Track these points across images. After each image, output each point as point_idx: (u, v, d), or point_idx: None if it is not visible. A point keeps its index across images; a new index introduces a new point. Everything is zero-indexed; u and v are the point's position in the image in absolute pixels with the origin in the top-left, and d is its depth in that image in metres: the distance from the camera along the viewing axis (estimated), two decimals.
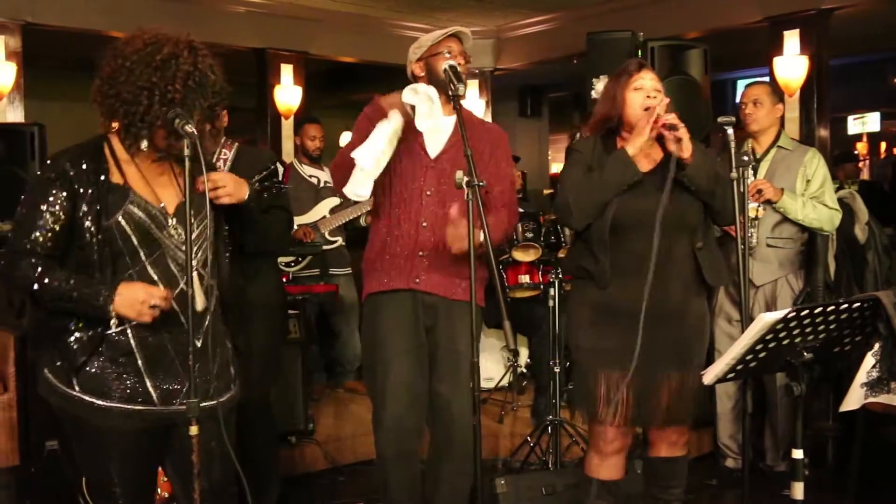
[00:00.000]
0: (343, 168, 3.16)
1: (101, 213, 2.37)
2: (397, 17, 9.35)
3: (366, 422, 5.15)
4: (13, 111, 7.57)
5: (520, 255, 4.92)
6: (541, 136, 12.82)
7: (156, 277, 2.41)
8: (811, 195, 4.34)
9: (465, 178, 2.72)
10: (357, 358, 6.09)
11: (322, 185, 5.90)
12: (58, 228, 2.36)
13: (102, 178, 2.39)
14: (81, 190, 2.37)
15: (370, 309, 3.35)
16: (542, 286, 4.93)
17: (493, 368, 5.81)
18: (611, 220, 3.03)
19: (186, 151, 2.29)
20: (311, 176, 5.90)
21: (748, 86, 4.63)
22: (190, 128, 2.30)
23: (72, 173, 2.37)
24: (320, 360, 6.09)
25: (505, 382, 5.76)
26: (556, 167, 14.36)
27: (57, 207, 2.36)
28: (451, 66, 3.07)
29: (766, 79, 8.16)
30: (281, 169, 3.73)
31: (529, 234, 4.99)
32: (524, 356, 5.84)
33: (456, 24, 3.44)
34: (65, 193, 2.36)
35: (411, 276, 3.24)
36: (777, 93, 4.61)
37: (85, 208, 2.37)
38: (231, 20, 8.78)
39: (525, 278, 4.98)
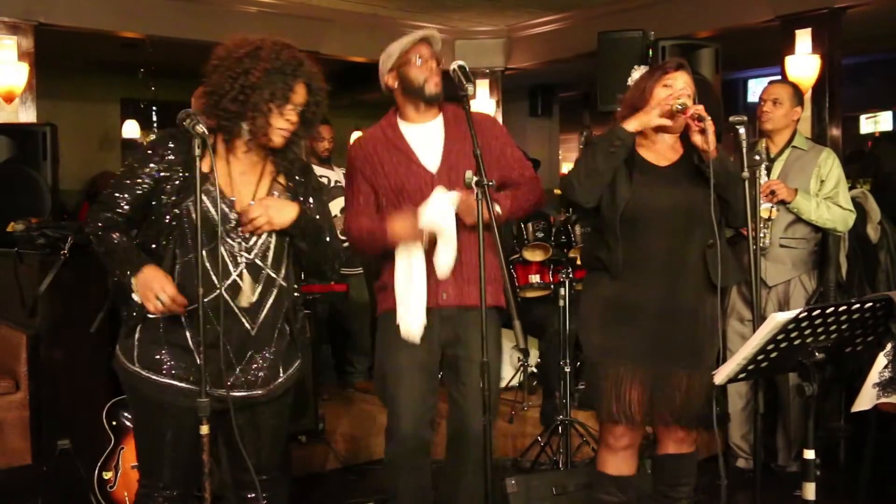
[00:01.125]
0: (356, 243, 3.34)
1: (180, 195, 2.51)
2: (409, 17, 9.34)
3: (376, 422, 5.19)
4: (25, 111, 7.57)
5: (530, 255, 4.92)
6: (551, 136, 12.79)
7: (209, 266, 2.50)
8: (825, 196, 4.31)
9: (475, 178, 2.71)
10: (368, 358, 6.10)
11: (332, 184, 5.90)
12: (140, 194, 2.53)
13: (195, 163, 2.49)
14: (173, 169, 2.52)
15: (386, 323, 3.29)
16: (552, 286, 4.93)
17: (503, 368, 5.80)
18: (625, 214, 3.02)
19: (197, 151, 2.39)
20: (321, 176, 5.90)
21: (770, 83, 4.57)
22: (200, 128, 2.40)
23: (172, 152, 2.53)
24: (331, 359, 6.10)
25: (515, 382, 5.75)
26: (567, 167, 14.34)
27: (147, 178, 2.53)
28: (461, 67, 2.99)
29: (778, 78, 8.14)
30: None
31: (540, 234, 4.99)
32: (534, 356, 5.83)
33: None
34: (158, 167, 2.53)
35: (438, 293, 3.20)
36: (798, 95, 4.54)
37: (169, 187, 2.51)
38: (242, 20, 8.78)
39: (535, 278, 4.98)
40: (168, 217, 2.51)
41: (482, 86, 10.06)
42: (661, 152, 3.13)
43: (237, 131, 2.53)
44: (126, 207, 2.54)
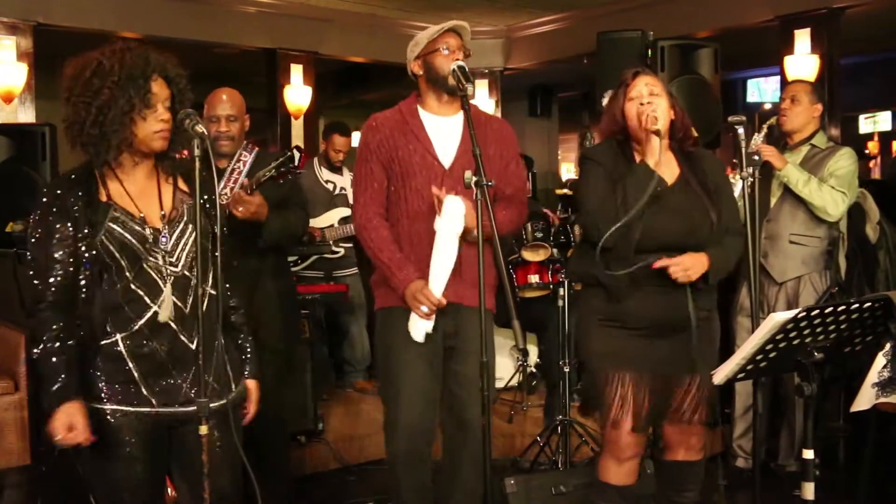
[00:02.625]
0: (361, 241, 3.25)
1: (90, 232, 2.40)
2: (407, 17, 9.35)
3: (375, 422, 5.17)
4: (24, 112, 7.58)
5: (529, 255, 4.92)
6: (550, 136, 12.80)
7: (140, 292, 2.43)
8: (821, 178, 4.29)
9: (474, 178, 2.69)
10: (366, 357, 6.10)
11: (338, 191, 5.90)
12: (71, 261, 2.41)
13: (91, 197, 2.43)
14: (76, 214, 2.40)
15: (386, 319, 3.29)
16: (551, 286, 4.93)
17: (502, 368, 5.81)
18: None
19: (197, 151, 2.35)
20: (327, 181, 5.91)
21: (790, 83, 4.58)
22: (200, 128, 2.35)
23: (66, 199, 2.41)
24: (329, 359, 6.10)
25: (515, 382, 5.75)
26: (566, 167, 14.34)
27: (65, 241, 2.40)
28: (460, 67, 3.01)
29: (777, 79, 8.15)
30: (297, 155, 3.76)
31: (539, 234, 4.99)
32: (534, 356, 5.83)
33: (466, 23, 3.37)
34: (66, 223, 2.40)
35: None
36: (817, 92, 4.51)
37: (78, 230, 2.40)
38: (241, 20, 8.79)
39: (535, 278, 4.97)
40: (86, 260, 2.40)
41: (481, 86, 10.07)
42: (661, 168, 3.06)
43: (110, 154, 2.41)
44: (68, 284, 2.41)
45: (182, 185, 2.57)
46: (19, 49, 7.51)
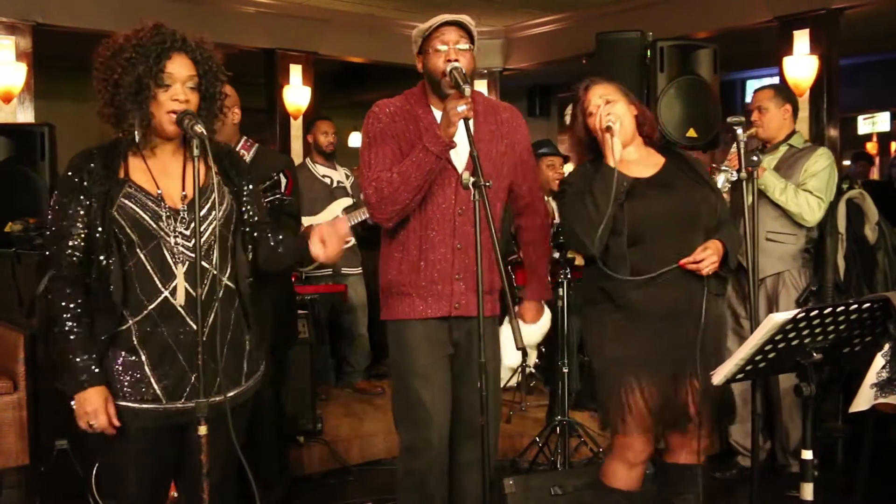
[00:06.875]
0: (388, 194, 2.97)
1: (105, 207, 2.39)
2: (406, 18, 9.35)
3: (375, 422, 5.20)
4: (23, 112, 7.59)
5: None
6: (549, 136, 12.80)
7: (153, 274, 2.40)
8: (799, 182, 4.32)
9: (472, 179, 2.65)
10: (366, 358, 6.10)
11: (335, 184, 5.91)
12: (85, 235, 2.40)
13: (111, 172, 2.42)
14: (94, 188, 2.39)
15: (399, 332, 3.16)
16: (549, 286, 4.91)
17: (503, 369, 5.80)
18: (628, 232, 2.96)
19: (196, 151, 2.32)
20: (324, 176, 5.92)
21: (754, 92, 4.65)
22: (199, 128, 2.33)
23: (86, 175, 2.41)
24: (329, 360, 6.10)
25: (513, 382, 5.75)
26: (566, 167, 14.32)
27: (80, 215, 2.40)
28: (456, 69, 2.90)
29: (776, 79, 8.16)
30: (284, 181, 3.72)
31: None
32: (533, 356, 5.83)
33: (464, 16, 3.18)
34: (81, 197, 2.40)
35: (451, 302, 3.10)
36: (783, 93, 4.60)
37: (93, 205, 2.39)
38: (240, 20, 8.80)
39: None
40: (100, 232, 2.38)
41: (480, 86, 10.08)
42: (641, 164, 3.10)
43: (130, 133, 2.40)
44: (83, 263, 2.40)
45: (211, 163, 2.44)
46: (18, 49, 7.52)
